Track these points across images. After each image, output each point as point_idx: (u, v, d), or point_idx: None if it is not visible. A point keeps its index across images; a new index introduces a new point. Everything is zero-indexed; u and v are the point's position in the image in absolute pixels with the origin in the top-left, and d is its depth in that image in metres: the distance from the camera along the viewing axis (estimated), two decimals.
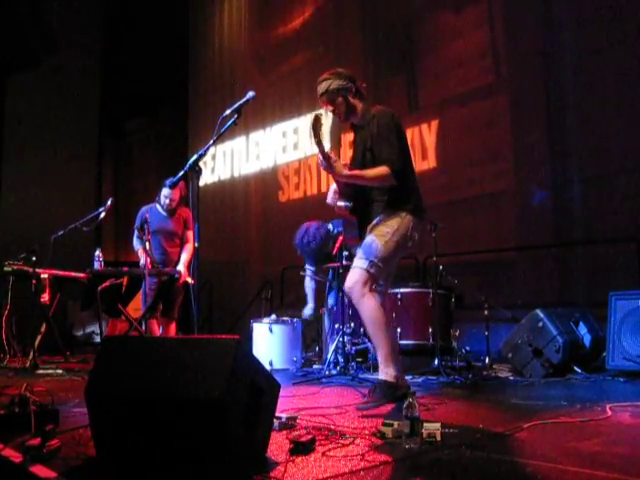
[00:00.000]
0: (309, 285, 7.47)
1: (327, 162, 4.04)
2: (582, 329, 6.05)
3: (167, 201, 6.90)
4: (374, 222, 4.23)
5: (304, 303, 7.60)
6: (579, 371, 5.66)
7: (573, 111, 7.27)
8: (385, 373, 4.10)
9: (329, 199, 4.42)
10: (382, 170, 4.08)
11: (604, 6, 6.96)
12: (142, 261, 6.71)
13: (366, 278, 4.11)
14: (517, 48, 7.88)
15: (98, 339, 9.54)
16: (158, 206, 6.99)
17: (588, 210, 7.06)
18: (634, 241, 6.53)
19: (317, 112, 4.07)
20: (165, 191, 6.86)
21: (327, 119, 4.51)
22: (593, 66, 7.05)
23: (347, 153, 9.76)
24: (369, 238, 4.20)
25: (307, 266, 7.40)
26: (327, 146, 4.05)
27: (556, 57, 7.47)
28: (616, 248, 6.79)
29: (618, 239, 6.74)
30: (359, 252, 4.23)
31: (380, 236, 4.16)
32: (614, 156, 6.84)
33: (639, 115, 6.66)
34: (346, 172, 4.13)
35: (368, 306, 4.11)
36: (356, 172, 4.17)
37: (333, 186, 4.40)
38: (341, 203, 4.34)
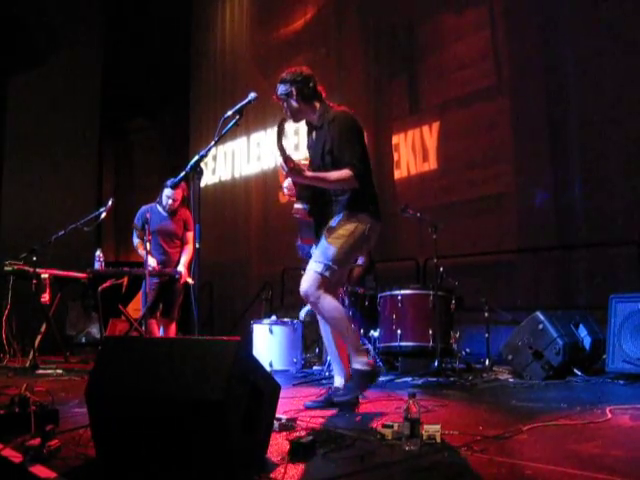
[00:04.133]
0: None
1: (288, 166, 4.05)
2: (582, 331, 6.05)
3: (169, 201, 6.90)
4: (331, 223, 4.23)
5: (305, 304, 7.59)
6: (579, 373, 5.66)
7: (574, 113, 7.27)
8: (359, 362, 4.13)
9: (286, 193, 4.48)
10: (344, 173, 4.08)
11: (605, 9, 6.96)
12: (147, 261, 6.69)
13: (320, 281, 4.13)
14: (518, 50, 7.88)
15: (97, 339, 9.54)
16: (159, 206, 6.99)
17: (589, 213, 7.06)
18: (634, 244, 6.53)
19: (282, 118, 4.15)
20: (167, 191, 6.85)
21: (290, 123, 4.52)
22: (594, 68, 7.05)
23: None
24: (324, 242, 4.20)
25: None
26: (287, 151, 4.06)
27: (557, 60, 7.47)
28: (616, 251, 6.80)
29: (618, 242, 6.74)
30: (315, 255, 4.24)
31: (336, 239, 4.16)
32: (615, 159, 6.84)
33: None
34: (308, 174, 4.13)
35: (327, 305, 4.14)
36: (319, 175, 4.17)
37: (287, 182, 4.42)
38: (299, 205, 4.34)
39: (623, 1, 6.86)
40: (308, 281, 4.16)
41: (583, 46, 7.20)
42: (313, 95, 4.34)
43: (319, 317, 4.37)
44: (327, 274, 4.12)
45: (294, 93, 4.30)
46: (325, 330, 4.37)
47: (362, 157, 4.18)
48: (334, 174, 4.12)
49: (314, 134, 4.43)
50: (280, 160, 4.09)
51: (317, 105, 4.36)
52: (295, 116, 4.41)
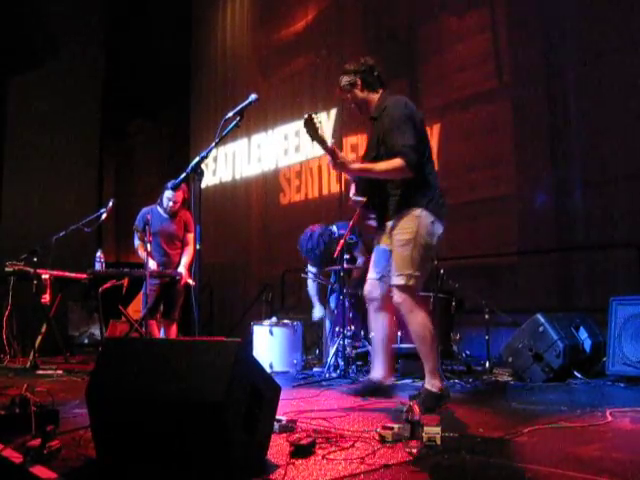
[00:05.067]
0: (312, 287, 7.47)
1: (333, 158, 4.01)
2: (582, 334, 6.04)
3: (170, 203, 6.90)
4: (391, 226, 4.16)
5: (305, 305, 7.60)
6: (579, 376, 5.65)
7: (575, 117, 7.27)
8: (431, 384, 4.10)
9: (350, 193, 4.40)
10: (395, 162, 3.98)
11: (607, 12, 6.96)
12: (146, 261, 6.70)
13: (410, 293, 4.07)
14: (520, 53, 7.87)
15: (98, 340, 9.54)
16: (159, 208, 6.99)
17: (589, 215, 7.05)
18: (635, 247, 6.52)
19: (307, 114, 4.04)
20: (168, 193, 6.85)
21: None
22: (595, 72, 7.04)
23: (349, 156, 9.76)
24: (396, 251, 4.12)
25: (309, 268, 7.40)
26: (329, 142, 4.00)
27: (558, 63, 7.47)
28: (617, 253, 6.79)
29: (619, 244, 6.74)
30: (393, 268, 4.14)
31: (405, 246, 4.07)
32: (616, 162, 6.83)
33: None
34: (355, 166, 4.09)
35: (417, 321, 4.10)
36: (366, 165, 4.12)
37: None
38: (355, 198, 4.29)
39: (625, 3, 6.85)
40: (399, 296, 4.10)
41: (585, 49, 7.20)
42: (378, 83, 4.29)
43: (371, 307, 4.35)
44: (412, 283, 4.06)
45: (359, 83, 4.27)
46: (377, 323, 4.36)
47: (415, 144, 4.02)
48: (382, 164, 4.04)
49: (373, 126, 4.35)
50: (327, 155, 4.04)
51: (379, 95, 4.29)
52: (361, 107, 4.36)
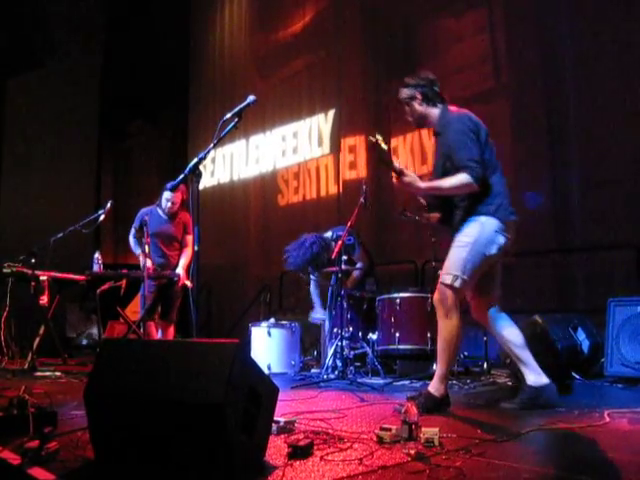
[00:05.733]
0: (313, 289, 7.48)
1: (401, 178, 4.02)
2: (580, 335, 6.04)
3: (169, 204, 6.89)
4: (457, 232, 4.16)
5: (303, 307, 7.61)
6: (577, 377, 5.65)
7: (573, 117, 7.27)
8: (435, 388, 4.10)
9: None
10: (461, 178, 3.98)
11: (605, 13, 6.97)
12: (142, 263, 6.70)
13: (451, 294, 4.06)
14: (517, 54, 7.89)
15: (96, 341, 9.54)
16: (159, 209, 6.98)
17: (587, 216, 7.06)
18: (633, 248, 6.53)
19: (372, 137, 4.04)
20: (167, 194, 6.85)
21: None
22: (593, 72, 7.06)
23: (347, 157, 9.79)
24: (451, 252, 4.14)
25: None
26: (397, 163, 4.01)
27: (556, 63, 7.48)
28: (615, 254, 6.80)
29: (617, 245, 6.75)
30: (444, 266, 4.17)
31: (460, 247, 4.09)
32: (614, 163, 6.84)
33: (639, 122, 6.66)
34: (422, 185, 4.10)
35: (449, 326, 4.08)
36: (433, 183, 4.14)
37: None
38: (427, 215, 4.36)
39: (623, 4, 6.86)
40: (440, 294, 4.10)
41: (582, 49, 7.20)
42: (437, 99, 4.31)
43: (499, 326, 4.32)
44: (457, 285, 4.04)
45: (418, 97, 4.29)
46: (505, 336, 4.32)
47: (479, 158, 4.03)
48: (448, 180, 4.05)
49: (437, 141, 4.37)
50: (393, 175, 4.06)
51: (439, 110, 4.30)
52: (418, 121, 4.39)
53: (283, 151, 11.08)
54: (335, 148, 10.02)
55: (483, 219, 4.08)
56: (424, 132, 8.74)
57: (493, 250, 4.09)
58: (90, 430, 2.61)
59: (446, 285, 4.07)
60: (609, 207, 6.85)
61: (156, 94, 12.80)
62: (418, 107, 4.32)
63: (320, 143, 10.31)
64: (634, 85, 6.68)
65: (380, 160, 4.01)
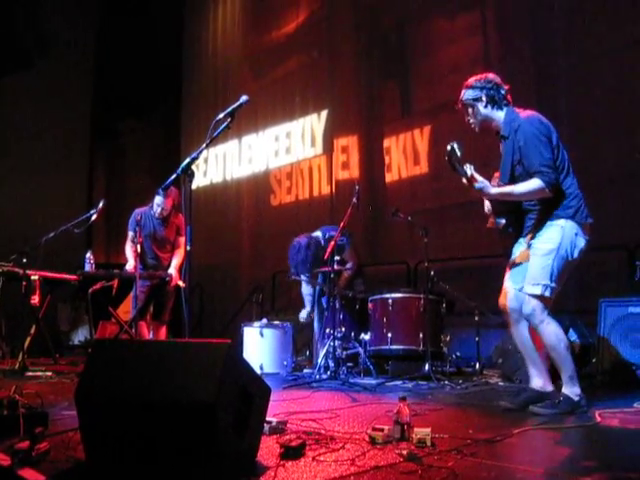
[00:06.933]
0: (306, 290, 7.47)
1: (472, 184, 3.97)
2: (572, 335, 6.05)
3: (159, 210, 6.89)
4: (534, 237, 4.09)
5: (296, 307, 7.61)
6: None
7: (564, 120, 7.27)
8: (571, 392, 3.99)
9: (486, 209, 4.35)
10: (534, 183, 3.92)
11: (596, 16, 7.00)
12: (128, 265, 6.68)
13: (543, 304, 3.99)
14: (509, 56, 7.90)
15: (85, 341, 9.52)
16: (152, 212, 6.97)
17: None
18: (624, 249, 6.55)
19: (450, 145, 3.96)
20: (158, 199, 6.85)
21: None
22: (584, 76, 7.08)
23: (339, 157, 9.79)
24: (536, 260, 4.04)
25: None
26: (469, 170, 3.95)
27: (548, 66, 7.50)
28: (606, 256, 6.81)
29: (608, 246, 6.76)
30: (528, 276, 4.06)
31: (546, 256, 4.00)
32: (605, 164, 6.86)
33: (629, 125, 6.69)
34: (494, 191, 4.02)
35: (548, 332, 4.01)
36: (505, 189, 4.05)
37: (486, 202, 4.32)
38: (494, 220, 4.26)
39: (614, 8, 6.89)
40: (530, 305, 4.02)
41: (574, 53, 7.23)
42: (503, 102, 4.23)
43: (511, 320, 4.27)
44: (547, 294, 3.97)
45: (484, 99, 4.20)
46: (521, 335, 4.25)
47: (552, 163, 3.96)
48: (521, 186, 3.99)
49: (502, 146, 4.27)
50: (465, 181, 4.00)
51: (504, 113, 4.22)
52: (479, 124, 4.30)
53: (276, 151, 11.08)
54: (328, 148, 10.02)
55: (563, 222, 4.00)
56: (417, 133, 8.76)
57: (576, 254, 4.04)
58: (81, 431, 2.60)
59: (536, 296, 3.99)
60: (600, 208, 6.85)
61: (149, 93, 12.77)
62: (483, 110, 4.22)
63: (313, 143, 10.32)
64: (626, 88, 6.71)
65: (453, 167, 3.95)
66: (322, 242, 6.84)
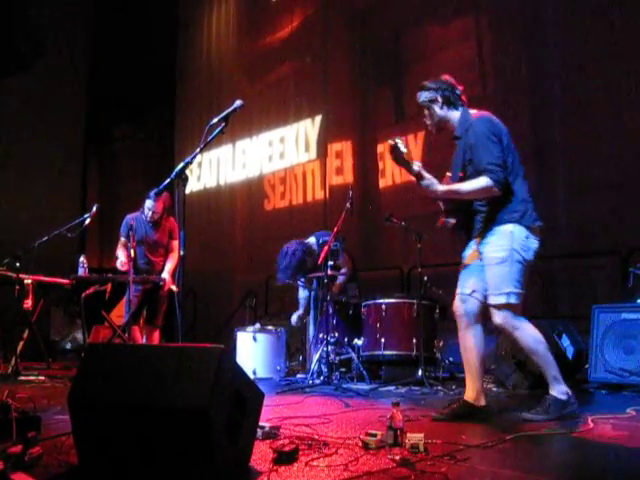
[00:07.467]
0: (301, 294, 7.48)
1: (419, 181, 3.93)
2: (565, 341, 6.07)
3: (150, 213, 6.88)
4: (484, 244, 4.06)
5: (289, 312, 7.61)
6: None
7: (559, 125, 7.32)
8: (558, 392, 3.95)
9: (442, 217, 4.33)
10: (481, 181, 3.89)
11: (589, 22, 7.03)
12: (119, 262, 6.65)
13: (511, 311, 3.97)
14: (503, 62, 7.93)
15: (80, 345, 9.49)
16: (143, 216, 6.97)
17: (572, 223, 7.10)
18: (617, 255, 6.57)
19: (392, 140, 3.91)
20: (148, 203, 6.84)
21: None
22: (579, 81, 7.11)
23: (333, 162, 9.80)
24: (494, 270, 4.01)
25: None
26: (416, 166, 3.91)
27: (542, 71, 7.52)
28: (599, 261, 6.84)
29: (601, 252, 6.79)
30: (490, 288, 4.03)
31: (500, 265, 3.97)
32: (599, 170, 6.88)
33: (624, 130, 6.71)
34: (441, 188, 3.98)
35: (523, 337, 3.99)
36: (452, 186, 4.03)
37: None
38: (445, 220, 4.24)
39: (608, 15, 6.92)
40: (500, 316, 3.99)
41: (568, 57, 7.26)
42: (458, 102, 4.23)
43: (461, 324, 4.21)
44: (513, 301, 3.95)
45: (439, 100, 4.20)
46: (467, 341, 4.19)
47: (501, 161, 3.94)
48: (468, 184, 3.96)
49: (457, 145, 4.25)
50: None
51: (459, 113, 4.22)
52: (436, 125, 4.28)
53: (270, 156, 11.09)
54: (322, 153, 10.03)
55: (511, 227, 3.98)
56: (410, 139, 8.77)
57: (530, 256, 4.03)
58: (74, 435, 2.59)
59: (501, 305, 3.97)
60: (593, 214, 6.89)
61: (142, 97, 12.78)
62: (439, 111, 4.22)
63: (307, 148, 10.33)
64: (620, 92, 6.74)
65: (398, 162, 3.94)
66: (316, 248, 6.85)
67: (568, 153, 7.24)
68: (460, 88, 4.30)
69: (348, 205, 6.25)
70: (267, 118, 11.19)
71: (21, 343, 6.99)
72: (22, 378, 6.48)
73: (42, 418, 3.33)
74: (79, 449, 2.58)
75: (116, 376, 2.56)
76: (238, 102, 3.81)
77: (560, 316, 6.80)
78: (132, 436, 2.48)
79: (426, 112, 4.29)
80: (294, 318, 7.38)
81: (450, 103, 4.23)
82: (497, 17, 8.11)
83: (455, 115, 4.23)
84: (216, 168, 12.37)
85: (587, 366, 5.75)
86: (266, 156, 11.15)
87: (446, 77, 4.32)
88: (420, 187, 3.97)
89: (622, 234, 6.60)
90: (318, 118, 10.14)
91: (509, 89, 7.86)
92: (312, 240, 7.04)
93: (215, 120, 3.76)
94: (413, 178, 3.98)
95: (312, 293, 7.24)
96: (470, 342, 4.17)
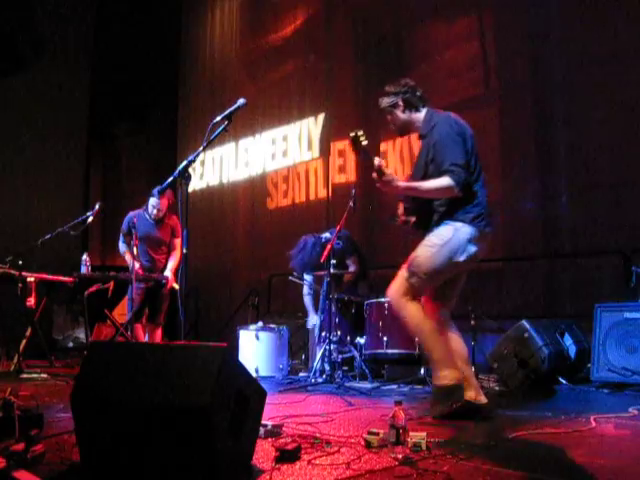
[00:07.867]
0: (307, 295, 7.47)
1: (379, 175, 3.91)
2: (567, 340, 6.08)
3: (154, 211, 6.89)
4: (430, 232, 4.08)
5: (292, 310, 7.61)
6: (564, 382, 5.68)
7: (561, 124, 7.30)
8: (437, 377, 3.97)
9: (399, 211, 4.36)
10: (442, 181, 3.88)
11: (592, 21, 7.01)
12: (131, 265, 6.67)
13: (405, 288, 4.01)
14: (507, 61, 7.91)
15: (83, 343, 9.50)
16: (146, 214, 6.97)
17: (575, 222, 7.09)
18: (619, 254, 6.56)
19: (354, 131, 3.95)
20: (152, 200, 6.85)
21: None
22: (582, 80, 7.09)
23: (336, 161, 9.79)
24: (418, 249, 4.06)
25: (305, 276, 7.38)
26: (377, 160, 3.90)
27: (545, 70, 7.51)
28: (602, 260, 6.82)
29: (604, 251, 6.78)
30: (409, 260, 4.10)
31: (427, 246, 4.01)
32: (601, 169, 6.87)
33: (626, 129, 6.70)
34: (401, 184, 4.00)
35: (409, 314, 4.03)
36: (413, 183, 4.04)
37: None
38: (404, 218, 4.26)
39: (611, 15, 6.90)
40: (393, 287, 4.07)
41: (571, 58, 7.24)
42: (420, 103, 4.24)
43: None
44: (413, 281, 3.99)
45: (400, 104, 4.22)
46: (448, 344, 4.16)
47: (463, 162, 3.93)
48: (430, 182, 3.96)
49: (421, 145, 4.26)
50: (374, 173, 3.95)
51: (423, 114, 4.23)
52: (401, 128, 4.32)
53: (273, 154, 11.07)
54: (325, 152, 10.02)
55: (459, 225, 3.99)
56: (414, 138, 8.74)
57: (461, 258, 4.00)
58: (76, 433, 2.59)
59: (402, 278, 4.05)
60: (596, 213, 6.88)
61: (145, 96, 12.77)
62: (401, 115, 4.25)
63: (310, 147, 10.31)
64: (622, 93, 6.72)
65: (359, 155, 3.95)
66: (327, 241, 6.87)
67: (571, 152, 7.22)
68: (420, 90, 4.31)
69: (351, 204, 6.25)
70: (270, 116, 11.18)
71: (24, 341, 7.00)
72: (25, 376, 6.49)
73: (45, 416, 3.34)
74: (81, 447, 2.58)
75: (119, 374, 2.56)
76: (241, 100, 3.82)
77: (563, 315, 6.79)
78: (134, 434, 2.48)
79: (389, 117, 4.33)
80: (313, 322, 7.35)
81: (412, 106, 4.25)
82: (500, 16, 8.09)
83: (419, 116, 4.26)
84: (219, 166, 12.36)
85: (589, 365, 5.74)
86: (269, 154, 11.14)
87: (406, 80, 4.33)
88: (381, 182, 3.97)
89: (625, 233, 6.59)
90: (321, 116, 10.13)
91: (512, 88, 7.84)
92: (327, 235, 7.05)
93: (218, 118, 3.77)
94: (374, 174, 3.96)
95: (323, 292, 7.23)
96: (449, 343, 4.18)
